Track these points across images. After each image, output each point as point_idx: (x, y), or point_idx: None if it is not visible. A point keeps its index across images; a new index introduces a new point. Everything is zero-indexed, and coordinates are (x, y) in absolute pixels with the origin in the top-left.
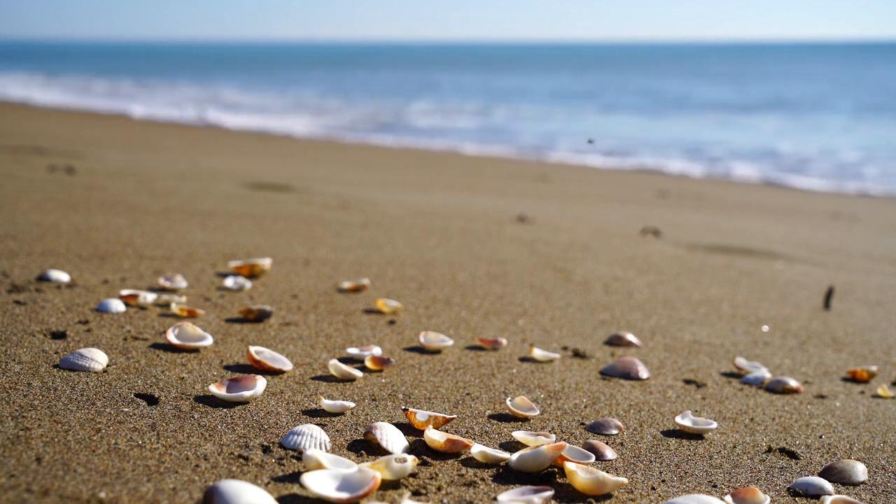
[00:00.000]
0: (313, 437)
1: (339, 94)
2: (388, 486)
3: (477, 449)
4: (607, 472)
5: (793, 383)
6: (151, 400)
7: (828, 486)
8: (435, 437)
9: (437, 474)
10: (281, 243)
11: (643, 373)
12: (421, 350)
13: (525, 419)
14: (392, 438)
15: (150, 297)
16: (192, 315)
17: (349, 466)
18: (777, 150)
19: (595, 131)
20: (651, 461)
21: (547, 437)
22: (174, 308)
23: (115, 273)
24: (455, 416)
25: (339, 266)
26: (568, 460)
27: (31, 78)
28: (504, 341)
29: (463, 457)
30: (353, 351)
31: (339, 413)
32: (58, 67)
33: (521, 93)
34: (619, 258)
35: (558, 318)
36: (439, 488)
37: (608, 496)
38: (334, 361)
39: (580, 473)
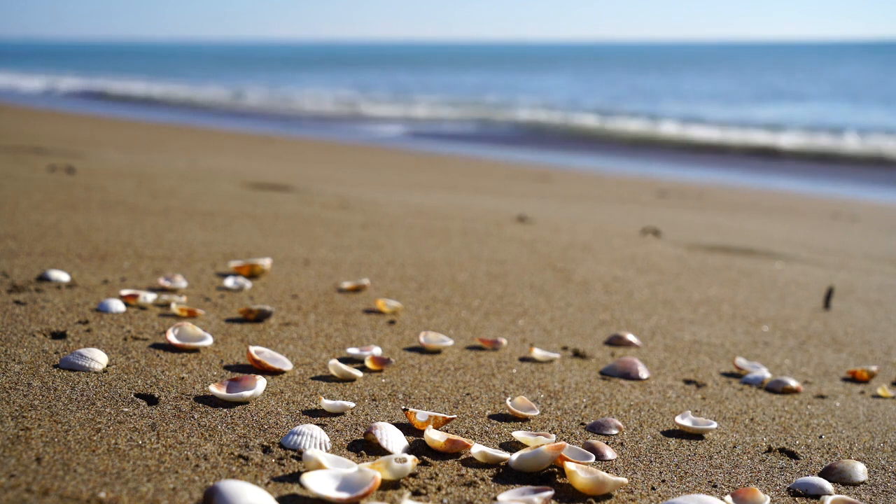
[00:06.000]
0: (313, 437)
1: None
2: (388, 486)
3: (477, 449)
4: (607, 472)
5: (793, 383)
6: (151, 400)
7: (828, 486)
8: (435, 437)
9: (437, 474)
10: (281, 243)
11: (643, 373)
12: (421, 350)
13: (525, 419)
14: (392, 438)
15: (150, 297)
16: (192, 315)
17: (349, 466)
18: None
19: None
20: (651, 461)
21: (547, 437)
22: (174, 308)
23: (115, 273)
24: (455, 416)
25: (339, 266)
26: (568, 460)
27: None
28: (504, 341)
29: (463, 457)
30: (353, 351)
31: (339, 413)
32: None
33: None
34: (619, 258)
35: (558, 318)
36: (439, 488)
37: (608, 496)
38: (334, 361)
39: (580, 473)
